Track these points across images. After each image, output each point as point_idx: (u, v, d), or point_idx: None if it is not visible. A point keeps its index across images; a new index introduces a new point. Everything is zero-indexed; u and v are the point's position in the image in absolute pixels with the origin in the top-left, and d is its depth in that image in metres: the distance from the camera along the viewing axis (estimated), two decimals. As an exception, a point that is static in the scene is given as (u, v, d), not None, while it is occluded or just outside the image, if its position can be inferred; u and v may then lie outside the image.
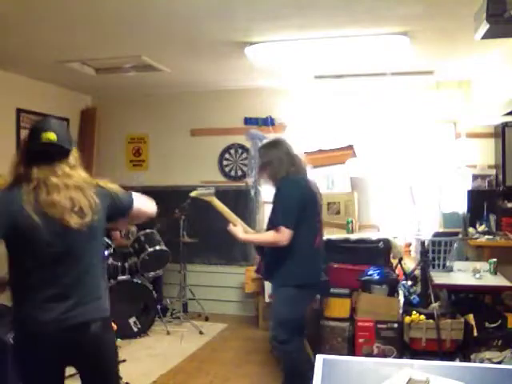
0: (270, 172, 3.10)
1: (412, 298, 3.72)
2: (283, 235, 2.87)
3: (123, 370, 3.87)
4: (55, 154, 1.93)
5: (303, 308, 3.11)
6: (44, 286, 1.87)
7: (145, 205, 2.23)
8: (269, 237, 2.99)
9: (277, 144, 3.18)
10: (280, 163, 3.05)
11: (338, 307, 3.96)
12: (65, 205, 1.86)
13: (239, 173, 5.85)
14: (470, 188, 5.08)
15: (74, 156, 2.00)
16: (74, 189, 1.91)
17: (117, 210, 2.08)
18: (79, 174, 1.97)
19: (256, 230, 3.26)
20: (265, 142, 3.27)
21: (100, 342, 1.95)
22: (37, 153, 1.92)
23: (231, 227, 3.09)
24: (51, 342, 1.87)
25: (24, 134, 5.22)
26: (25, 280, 1.90)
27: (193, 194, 3.24)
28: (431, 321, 3.48)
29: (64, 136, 1.97)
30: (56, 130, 1.94)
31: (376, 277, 3.81)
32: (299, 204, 2.94)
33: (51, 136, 1.91)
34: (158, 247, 4.96)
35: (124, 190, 2.13)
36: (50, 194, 1.86)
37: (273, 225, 2.99)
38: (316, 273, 3.11)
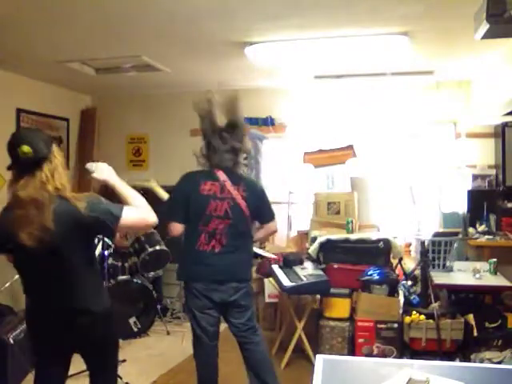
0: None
1: (412, 298, 3.72)
2: (170, 227, 2.95)
3: (123, 370, 3.88)
4: (32, 165, 2.00)
5: (192, 305, 2.99)
6: None
7: (138, 218, 2.16)
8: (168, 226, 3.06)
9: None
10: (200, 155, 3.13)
11: (338, 307, 3.96)
12: (20, 222, 1.95)
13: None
14: (470, 188, 5.08)
15: (51, 163, 2.04)
16: (36, 205, 1.95)
17: (93, 226, 2.07)
18: (50, 187, 2.00)
19: None
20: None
21: None
22: (18, 166, 2.03)
23: None
24: None
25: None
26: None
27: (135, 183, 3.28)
28: (431, 321, 3.48)
29: (38, 144, 2.01)
30: (30, 141, 2.01)
31: (376, 277, 3.81)
32: (181, 199, 2.96)
33: (25, 149, 1.98)
34: (158, 247, 4.95)
35: (110, 204, 2.10)
36: (14, 210, 1.98)
37: None
38: (195, 274, 2.94)
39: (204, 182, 2.95)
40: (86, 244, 2.13)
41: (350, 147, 5.06)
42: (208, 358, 3.14)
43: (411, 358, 3.38)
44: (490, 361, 3.36)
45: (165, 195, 3.44)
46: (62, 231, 1.97)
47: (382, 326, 3.67)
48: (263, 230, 3.22)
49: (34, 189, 1.97)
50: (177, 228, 2.95)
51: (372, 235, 4.28)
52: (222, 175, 2.96)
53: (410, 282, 3.88)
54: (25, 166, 2.00)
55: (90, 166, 2.33)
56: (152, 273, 5.06)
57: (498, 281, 3.72)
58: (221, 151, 3.01)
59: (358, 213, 4.90)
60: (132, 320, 4.72)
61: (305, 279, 3.86)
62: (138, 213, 2.15)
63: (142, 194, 2.28)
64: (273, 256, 4.36)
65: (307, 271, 4.02)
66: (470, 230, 4.82)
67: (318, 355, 1.66)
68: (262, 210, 3.09)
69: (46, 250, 1.97)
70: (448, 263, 3.93)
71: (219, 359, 4.17)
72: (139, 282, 4.83)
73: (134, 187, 3.07)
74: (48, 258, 2.01)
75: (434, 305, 3.52)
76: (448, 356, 3.36)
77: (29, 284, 2.15)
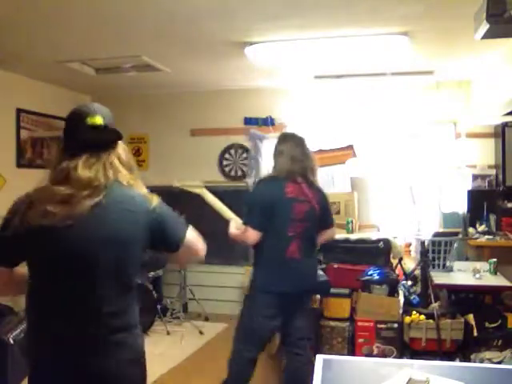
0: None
1: (412, 298, 3.72)
2: (246, 234, 2.86)
3: (123, 370, 3.87)
4: (99, 143, 1.61)
5: (261, 316, 2.93)
6: None
7: (199, 243, 1.82)
8: (238, 234, 2.94)
9: (285, 139, 3.08)
10: (275, 160, 3.00)
11: (338, 307, 3.95)
12: (55, 196, 1.52)
13: (239, 173, 5.85)
14: (470, 188, 5.08)
15: (114, 152, 1.69)
16: (91, 188, 1.54)
17: (156, 232, 1.65)
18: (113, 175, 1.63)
19: None
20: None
21: None
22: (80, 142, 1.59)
23: (230, 222, 3.05)
24: None
25: (24, 134, 5.23)
26: None
27: (177, 184, 3.08)
28: (431, 321, 3.47)
29: (112, 122, 1.72)
30: (104, 115, 1.70)
31: (376, 277, 3.81)
32: (262, 205, 2.85)
33: (99, 121, 1.65)
34: (158, 247, 4.95)
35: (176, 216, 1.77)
36: (56, 187, 1.53)
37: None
38: (283, 282, 2.89)
39: (287, 184, 2.90)
40: (139, 250, 1.62)
41: (350, 147, 5.07)
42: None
43: (411, 358, 3.37)
44: (490, 361, 3.36)
45: (216, 203, 3.29)
46: (116, 220, 1.54)
47: (382, 325, 3.67)
48: (325, 235, 3.20)
49: (96, 171, 1.55)
50: (254, 236, 2.85)
51: (372, 235, 4.28)
52: (299, 178, 2.94)
53: (410, 282, 3.88)
54: (89, 144, 1.58)
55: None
56: (152, 273, 5.06)
57: (498, 281, 3.72)
58: (298, 157, 2.97)
59: (358, 213, 4.90)
60: (132, 320, 4.72)
61: (305, 279, 3.86)
62: (198, 238, 1.81)
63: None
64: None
65: (307, 271, 4.02)
66: (470, 229, 4.82)
67: (317, 355, 1.66)
68: (326, 215, 3.10)
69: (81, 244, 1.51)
70: (448, 263, 3.93)
71: (217, 359, 4.15)
72: (139, 282, 4.83)
73: (182, 191, 2.92)
74: (79, 262, 1.51)
75: (434, 305, 3.52)
76: (448, 356, 3.35)
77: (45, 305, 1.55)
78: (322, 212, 3.02)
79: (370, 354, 3.64)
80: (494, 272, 3.84)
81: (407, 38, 3.78)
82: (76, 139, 1.60)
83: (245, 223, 2.89)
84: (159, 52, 4.32)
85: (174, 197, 5.36)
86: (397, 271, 4.17)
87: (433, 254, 3.88)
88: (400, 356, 3.59)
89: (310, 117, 5.55)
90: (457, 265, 4.05)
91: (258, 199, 2.92)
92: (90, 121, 1.62)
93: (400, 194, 5.16)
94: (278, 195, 2.87)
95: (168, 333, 4.90)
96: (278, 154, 3.01)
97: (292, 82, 5.40)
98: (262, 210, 2.85)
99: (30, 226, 1.48)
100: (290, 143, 3.00)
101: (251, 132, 5.48)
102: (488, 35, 2.41)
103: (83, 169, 1.53)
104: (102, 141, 1.61)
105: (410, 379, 1.40)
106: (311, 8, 3.25)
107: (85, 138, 1.59)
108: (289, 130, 5.61)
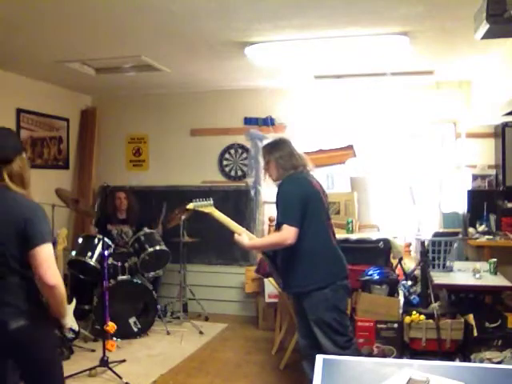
0: (272, 171, 3.08)
1: (412, 298, 3.72)
2: (288, 233, 2.75)
3: (123, 370, 3.89)
4: None
5: (342, 306, 2.94)
6: None
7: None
8: (273, 238, 2.91)
9: (280, 144, 3.12)
10: (283, 162, 3.01)
11: (338, 307, 3.95)
12: None
13: (239, 173, 5.85)
14: (470, 188, 5.08)
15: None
16: None
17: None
18: None
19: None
20: (268, 141, 3.21)
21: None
22: None
23: (236, 237, 3.00)
24: None
25: (24, 134, 5.22)
26: None
27: (189, 206, 3.10)
28: (431, 321, 3.47)
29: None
30: None
31: (376, 277, 3.81)
32: (301, 202, 2.83)
33: None
34: (158, 247, 4.96)
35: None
36: None
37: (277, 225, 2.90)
38: (341, 269, 3.00)
39: (310, 179, 2.99)
40: None
41: (350, 147, 5.07)
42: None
43: (411, 358, 3.37)
44: (490, 361, 3.36)
45: (225, 219, 3.12)
46: None
47: (382, 325, 3.67)
48: None
49: None
50: (294, 234, 2.76)
51: (372, 235, 4.28)
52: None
53: (410, 282, 3.88)
54: None
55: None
56: (152, 273, 5.06)
57: (498, 281, 3.71)
58: (301, 156, 3.12)
59: (358, 213, 4.90)
60: (132, 320, 4.72)
61: (305, 279, 3.86)
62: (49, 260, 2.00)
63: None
64: None
65: (307, 271, 4.01)
66: (470, 230, 4.83)
67: (317, 355, 1.66)
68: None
69: None
70: (448, 263, 3.93)
71: (217, 359, 4.15)
72: (139, 282, 4.83)
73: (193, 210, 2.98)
74: None
75: (434, 305, 3.52)
76: (448, 356, 3.35)
77: None
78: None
79: (370, 354, 3.64)
80: (494, 272, 3.84)
81: (407, 38, 3.79)
82: None
83: (289, 224, 2.77)
84: (159, 52, 4.32)
85: (174, 196, 5.39)
86: (397, 271, 4.17)
87: (433, 254, 3.88)
88: (400, 356, 3.59)
89: (309, 117, 5.55)
90: (457, 265, 4.05)
91: (297, 198, 2.86)
92: None
93: (400, 193, 5.16)
94: (312, 192, 2.93)
95: (168, 333, 4.90)
96: (287, 156, 3.05)
97: (292, 81, 5.40)
98: (300, 208, 2.82)
99: None
100: (292, 145, 3.13)
101: (250, 132, 5.48)
102: (488, 35, 2.41)
103: None
104: None
105: (409, 379, 1.40)
106: (311, 8, 3.25)
107: None
108: (289, 129, 5.62)
